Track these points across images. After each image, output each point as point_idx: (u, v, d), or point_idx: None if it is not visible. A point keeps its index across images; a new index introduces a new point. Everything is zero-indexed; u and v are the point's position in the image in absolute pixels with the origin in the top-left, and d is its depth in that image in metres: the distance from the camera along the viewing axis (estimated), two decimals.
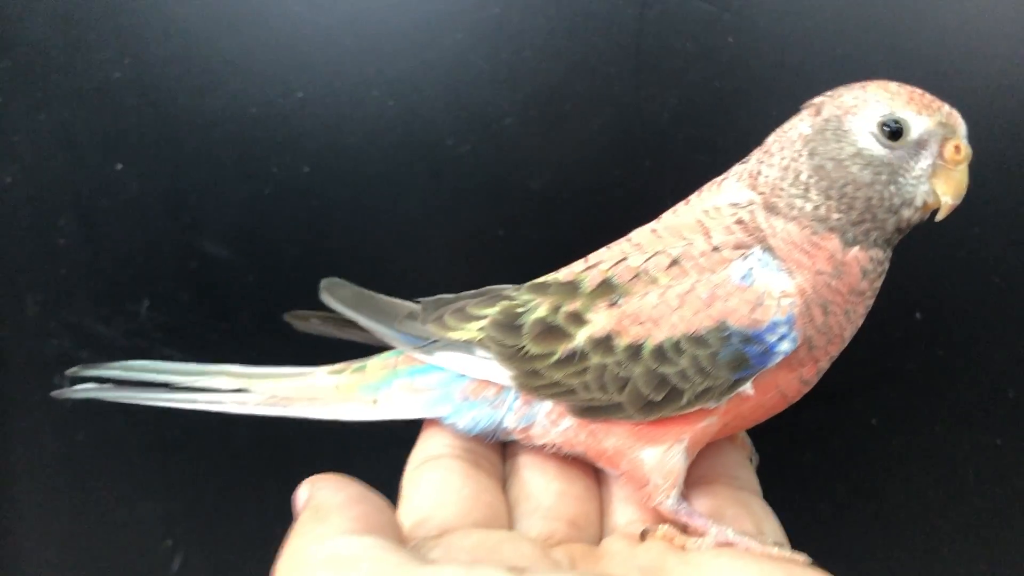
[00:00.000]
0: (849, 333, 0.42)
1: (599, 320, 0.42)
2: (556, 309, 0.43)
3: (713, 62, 0.60)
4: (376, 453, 0.51)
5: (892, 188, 0.40)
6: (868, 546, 0.65)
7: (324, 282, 0.48)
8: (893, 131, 0.40)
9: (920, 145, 0.40)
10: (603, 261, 0.44)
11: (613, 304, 0.42)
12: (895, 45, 0.60)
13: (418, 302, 0.48)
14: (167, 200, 0.62)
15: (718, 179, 0.45)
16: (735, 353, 0.39)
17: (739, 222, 0.42)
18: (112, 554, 0.66)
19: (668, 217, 0.45)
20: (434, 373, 0.46)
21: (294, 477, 0.65)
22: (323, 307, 0.48)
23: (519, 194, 0.61)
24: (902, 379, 0.63)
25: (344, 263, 0.62)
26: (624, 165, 0.61)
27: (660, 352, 0.40)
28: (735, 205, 0.43)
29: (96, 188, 0.61)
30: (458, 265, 0.63)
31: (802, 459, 0.64)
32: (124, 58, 0.60)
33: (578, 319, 0.43)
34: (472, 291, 0.48)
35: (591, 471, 0.46)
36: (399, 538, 0.33)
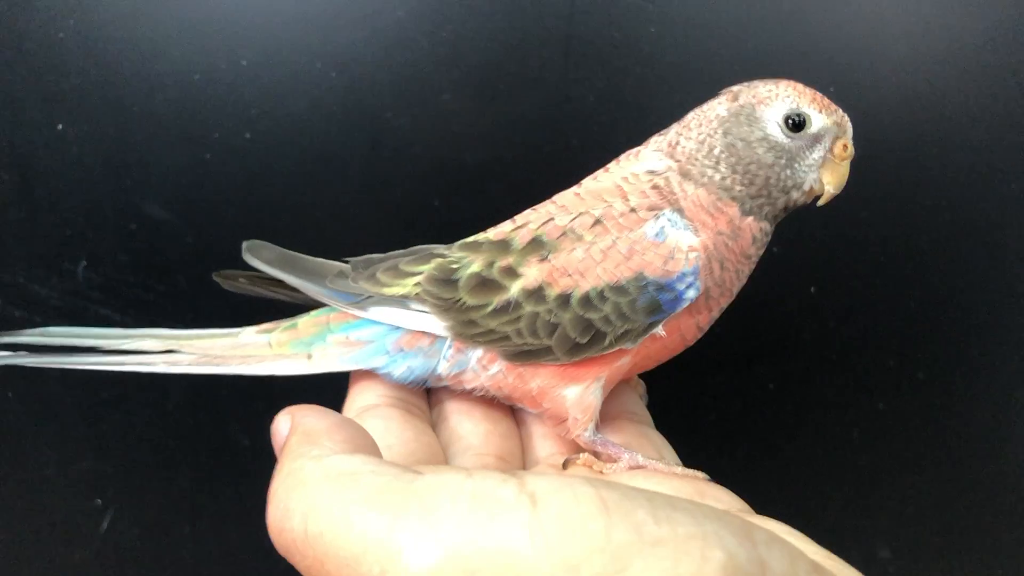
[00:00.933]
0: (736, 288, 0.48)
1: (531, 273, 0.46)
2: (490, 264, 0.47)
3: (637, 50, 0.64)
4: None
5: (788, 171, 0.46)
6: (766, 499, 0.69)
7: (246, 244, 0.48)
8: (796, 123, 0.46)
9: (816, 139, 0.46)
10: (531, 221, 0.48)
11: (543, 259, 0.46)
12: (798, 41, 0.65)
13: (346, 261, 0.49)
14: (108, 162, 0.62)
15: (635, 149, 0.50)
16: (650, 300, 0.44)
17: (655, 187, 0.46)
18: (41, 513, 0.66)
19: (588, 182, 0.49)
20: (368, 327, 0.47)
21: (226, 438, 0.67)
22: (253, 268, 0.48)
23: (454, 167, 0.63)
24: (797, 348, 0.68)
25: (282, 228, 0.64)
26: (553, 142, 0.65)
27: (587, 300, 0.44)
28: (652, 172, 0.47)
29: (37, 148, 0.61)
30: (394, 232, 0.64)
31: (708, 419, 0.69)
32: (69, 18, 0.60)
33: (512, 273, 0.46)
34: (401, 251, 0.50)
35: (510, 412, 0.50)
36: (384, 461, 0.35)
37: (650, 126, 0.62)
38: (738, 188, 0.46)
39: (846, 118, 0.47)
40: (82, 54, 0.60)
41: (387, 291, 0.48)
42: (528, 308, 0.45)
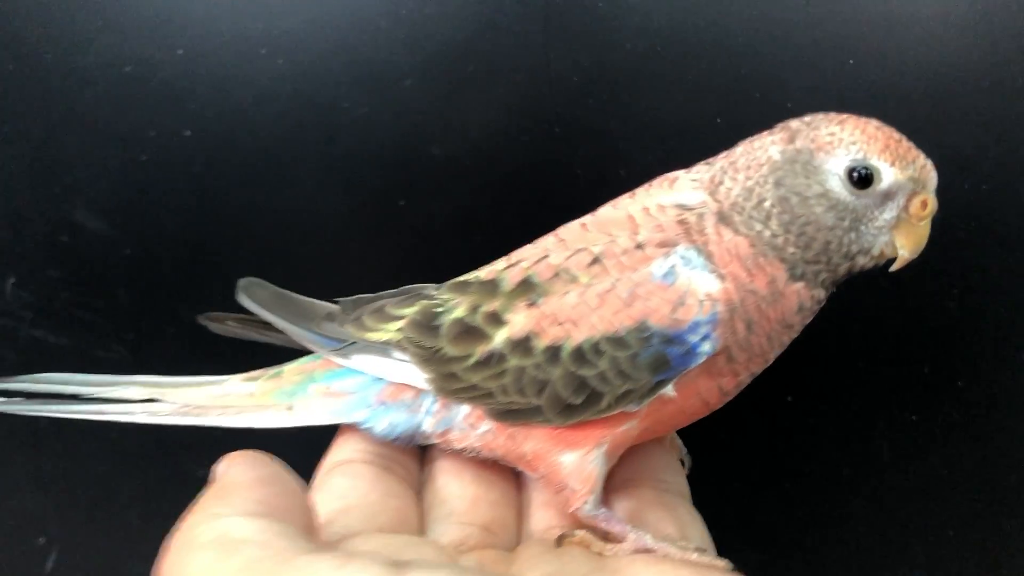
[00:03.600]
0: (771, 356, 0.42)
1: (518, 321, 0.41)
2: (475, 309, 0.42)
3: (626, 21, 0.57)
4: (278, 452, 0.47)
5: (852, 235, 0.39)
6: (784, 524, 0.64)
7: (242, 282, 0.46)
8: (863, 178, 0.39)
9: (887, 196, 0.39)
10: (525, 258, 0.43)
11: (532, 304, 0.41)
12: (809, 11, 0.57)
13: (336, 302, 0.47)
14: (34, 167, 0.57)
15: (672, 175, 0.43)
16: (656, 354, 0.38)
17: (681, 222, 0.40)
18: None
19: (604, 210, 0.43)
20: (351, 377, 0.44)
21: (178, 469, 0.61)
22: (238, 306, 0.46)
23: (420, 161, 0.58)
24: (818, 355, 0.60)
25: (230, 236, 0.59)
26: (532, 131, 0.59)
27: (579, 354, 0.39)
28: (682, 207, 0.41)
29: None
30: (354, 237, 0.59)
31: (717, 437, 0.61)
32: None
33: (496, 320, 0.41)
34: (392, 290, 0.47)
35: (511, 474, 0.45)
36: (308, 525, 0.33)
37: (645, 110, 0.55)
38: (791, 250, 0.39)
39: (927, 169, 0.40)
40: None
41: (371, 336, 0.44)
42: (513, 362, 0.40)
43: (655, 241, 0.40)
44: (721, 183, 0.41)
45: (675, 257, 0.39)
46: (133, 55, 0.56)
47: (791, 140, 0.40)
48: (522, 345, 0.40)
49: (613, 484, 0.42)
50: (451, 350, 0.41)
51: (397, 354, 0.43)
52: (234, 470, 0.33)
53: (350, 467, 0.42)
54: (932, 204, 0.40)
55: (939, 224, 0.59)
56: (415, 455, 0.45)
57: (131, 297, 0.59)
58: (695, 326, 0.38)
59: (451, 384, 0.41)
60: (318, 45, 0.57)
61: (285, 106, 0.57)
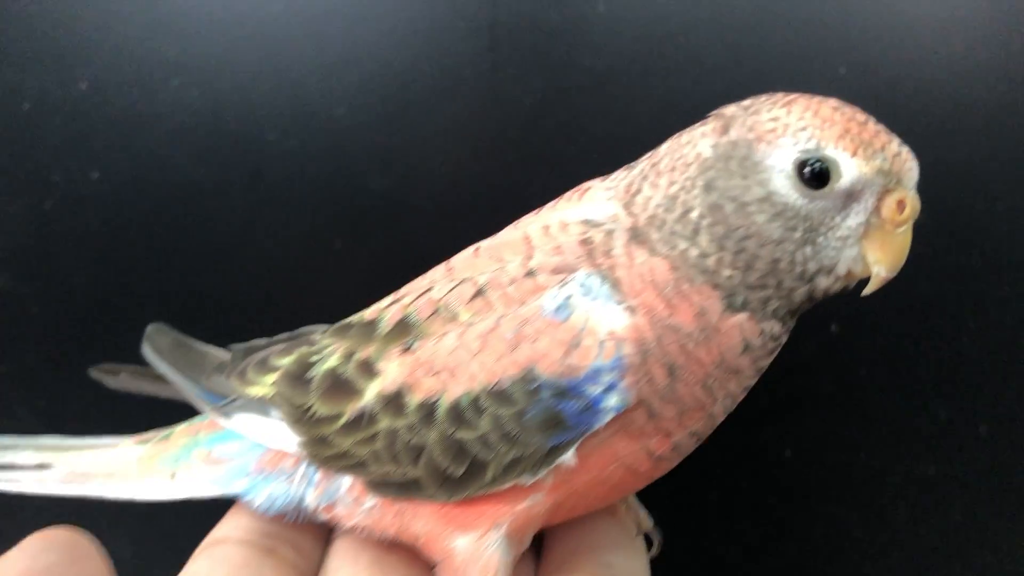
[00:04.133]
0: (718, 409, 0.34)
1: (390, 371, 0.34)
2: (348, 357, 0.36)
3: (582, 36, 0.52)
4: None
5: (808, 250, 0.32)
6: None
7: (149, 328, 0.43)
8: (817, 174, 0.31)
9: (851, 196, 0.31)
10: (409, 292, 0.37)
11: (406, 350, 0.34)
12: (796, 13, 0.52)
13: (230, 349, 0.42)
14: None
15: (586, 184, 0.37)
16: (547, 411, 0.31)
17: (584, 243, 0.33)
18: None
19: (506, 232, 0.37)
20: (233, 441, 0.39)
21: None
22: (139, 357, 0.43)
23: (358, 197, 0.53)
24: (818, 403, 0.57)
25: (147, 287, 0.54)
26: (483, 160, 0.53)
27: (456, 412, 0.32)
28: (589, 223, 0.34)
29: None
30: (285, 283, 0.54)
31: (705, 499, 0.58)
32: None
33: (369, 370, 0.35)
34: (287, 333, 0.42)
35: (420, 560, 0.37)
36: None
37: (607, 133, 0.50)
38: (727, 273, 0.32)
39: (902, 158, 0.31)
40: None
41: (250, 392, 0.39)
42: (384, 422, 0.34)
43: (549, 267, 0.33)
44: (639, 191, 0.34)
45: (572, 286, 0.32)
46: (31, 90, 0.51)
47: (725, 130, 0.33)
48: (394, 402, 0.34)
49: (548, 566, 0.36)
50: (321, 408, 0.36)
51: (274, 412, 0.37)
52: (12, 558, 0.30)
53: (219, 549, 0.36)
54: (912, 204, 0.31)
55: (949, 250, 0.53)
56: (315, 534, 0.39)
57: (39, 358, 0.54)
58: (594, 374, 0.31)
59: (323, 450, 0.35)
60: (238, 73, 0.51)
61: (203, 141, 0.52)
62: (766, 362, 0.34)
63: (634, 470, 0.33)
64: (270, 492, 0.37)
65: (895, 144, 0.31)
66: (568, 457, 0.31)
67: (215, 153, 0.52)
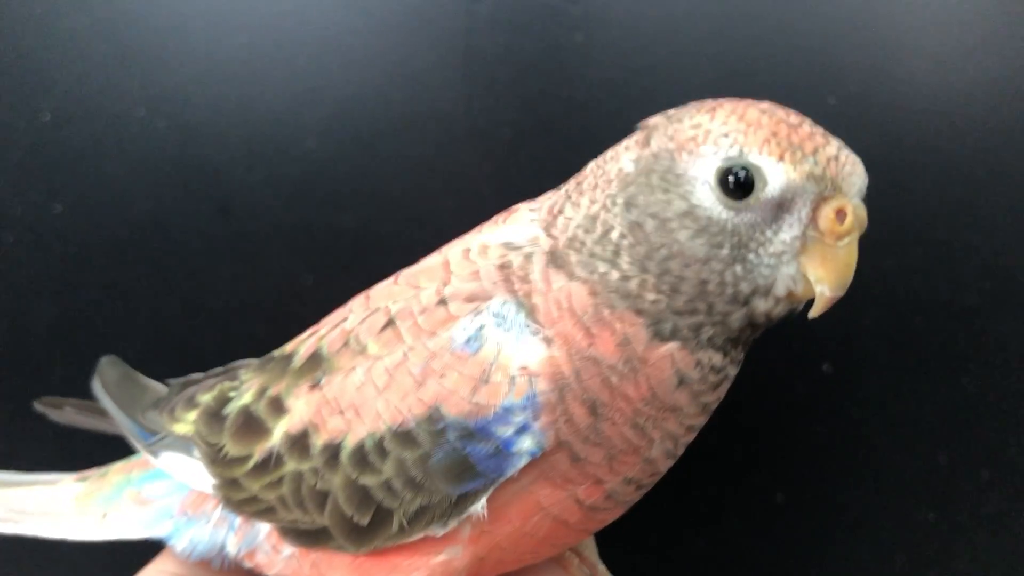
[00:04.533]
0: (657, 453, 0.31)
1: (297, 408, 0.33)
2: (262, 393, 0.35)
3: (560, 66, 0.51)
4: None
5: (738, 269, 0.29)
6: None
7: (102, 360, 0.42)
8: (740, 183, 0.28)
9: (781, 207, 0.29)
10: (327, 323, 0.35)
11: (315, 386, 0.33)
12: (781, 41, 0.51)
13: (167, 384, 0.41)
14: None
15: (513, 207, 0.35)
16: (454, 454, 0.29)
17: (502, 267, 0.31)
18: None
19: (429, 258, 0.35)
20: (161, 480, 0.38)
21: None
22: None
23: (329, 233, 0.52)
24: (810, 445, 0.55)
25: (110, 325, 0.52)
26: (458, 193, 0.52)
27: (361, 454, 0.31)
28: (509, 246, 0.32)
29: None
30: (253, 321, 0.52)
31: (693, 546, 0.55)
32: None
33: (279, 407, 0.33)
34: (221, 368, 0.41)
35: None
36: None
37: (582, 166, 0.48)
38: (651, 298, 0.29)
39: (840, 162, 0.29)
40: None
41: (177, 428, 0.38)
42: (290, 465, 0.32)
43: (463, 294, 0.31)
44: (561, 212, 0.32)
45: (485, 316, 0.30)
46: None
47: (647, 142, 0.31)
48: (299, 443, 0.32)
49: None
50: (232, 448, 0.34)
51: (195, 451, 0.36)
52: None
53: None
54: (855, 214, 0.28)
55: (947, 287, 0.51)
56: None
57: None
58: (504, 414, 0.29)
59: (235, 493, 0.34)
60: (204, 103, 0.50)
61: (169, 174, 0.51)
62: (711, 398, 0.31)
63: (563, 521, 0.31)
64: (192, 536, 0.36)
65: (831, 147, 0.29)
66: (478, 508, 0.29)
67: (181, 186, 0.51)
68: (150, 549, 0.39)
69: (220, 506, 0.35)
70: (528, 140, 0.51)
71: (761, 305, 0.29)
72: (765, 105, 0.29)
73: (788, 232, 0.29)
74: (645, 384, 0.29)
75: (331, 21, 0.50)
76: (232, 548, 0.35)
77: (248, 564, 0.36)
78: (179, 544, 0.36)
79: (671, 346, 0.29)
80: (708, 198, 0.29)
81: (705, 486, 0.55)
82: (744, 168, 0.28)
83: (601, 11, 0.50)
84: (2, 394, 0.52)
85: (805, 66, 0.50)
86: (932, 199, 0.52)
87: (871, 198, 0.47)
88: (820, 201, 0.28)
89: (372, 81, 0.50)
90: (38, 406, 0.43)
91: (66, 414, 0.44)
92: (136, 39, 0.49)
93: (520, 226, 0.33)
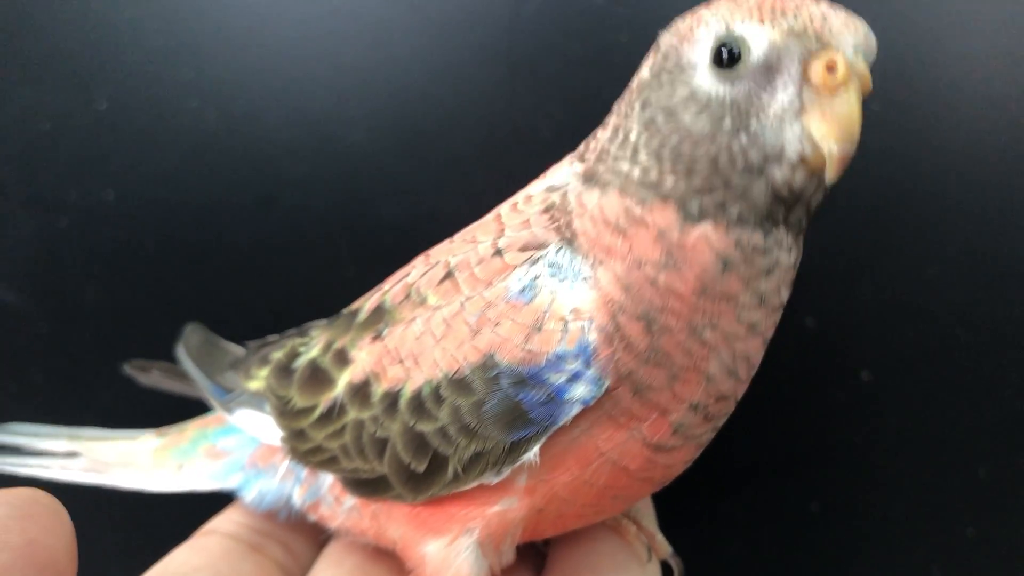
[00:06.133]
0: (717, 368, 0.30)
1: (360, 359, 0.33)
2: (328, 347, 0.35)
3: (603, 66, 0.50)
4: None
5: (743, 138, 0.29)
6: None
7: (187, 327, 0.44)
8: (731, 55, 0.29)
9: (770, 69, 0.28)
10: (392, 279, 0.36)
11: (377, 337, 0.33)
12: None
13: (246, 346, 0.43)
14: None
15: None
16: (506, 401, 0.29)
17: (546, 210, 0.32)
18: None
19: (486, 216, 0.36)
20: (233, 435, 0.40)
21: None
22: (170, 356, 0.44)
23: (371, 225, 0.52)
24: (847, 454, 0.54)
25: (157, 309, 0.53)
26: (498, 189, 0.50)
27: (418, 402, 0.31)
28: (551, 189, 0.33)
29: None
30: (297, 310, 0.52)
31: (725, 553, 0.55)
32: None
33: (343, 359, 0.34)
34: (296, 328, 0.42)
35: (406, 570, 0.36)
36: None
37: None
38: (669, 182, 0.29)
39: (821, 17, 0.28)
40: None
41: (250, 385, 0.39)
42: (352, 414, 0.33)
43: (518, 243, 0.31)
44: (593, 138, 0.33)
45: (541, 265, 0.30)
46: (50, 109, 0.51)
47: (659, 47, 0.31)
48: (361, 391, 0.33)
49: None
50: (299, 400, 0.35)
51: (266, 406, 0.38)
52: None
53: (204, 539, 0.37)
54: (844, 64, 0.27)
55: (990, 294, 0.50)
56: (312, 538, 0.39)
57: (46, 377, 0.54)
58: (556, 361, 0.28)
59: (301, 444, 0.35)
60: (254, 95, 0.51)
61: (218, 164, 0.52)
62: (766, 286, 0.30)
63: (623, 467, 0.31)
64: (260, 488, 0.38)
65: (817, 7, 0.28)
66: (531, 455, 0.29)
67: (229, 176, 0.52)
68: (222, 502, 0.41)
69: (288, 459, 0.37)
70: (570, 139, 0.51)
71: (778, 173, 0.29)
72: None
73: (784, 93, 0.28)
74: (691, 274, 0.29)
75: (379, 18, 0.50)
76: (297, 500, 0.37)
77: (312, 516, 0.37)
78: (248, 496, 0.38)
79: (704, 227, 0.29)
80: (706, 78, 0.29)
81: (739, 492, 0.54)
82: (731, 39, 0.29)
83: (646, 12, 0.50)
84: (51, 376, 0.53)
85: None
86: (976, 208, 0.50)
87: (914, 202, 0.47)
88: (810, 57, 0.28)
89: (418, 77, 0.51)
90: (128, 369, 0.45)
91: (153, 377, 0.45)
92: (190, 31, 0.50)
93: (560, 170, 0.34)
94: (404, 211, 0.52)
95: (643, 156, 0.30)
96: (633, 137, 0.30)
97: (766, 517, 0.54)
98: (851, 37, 0.28)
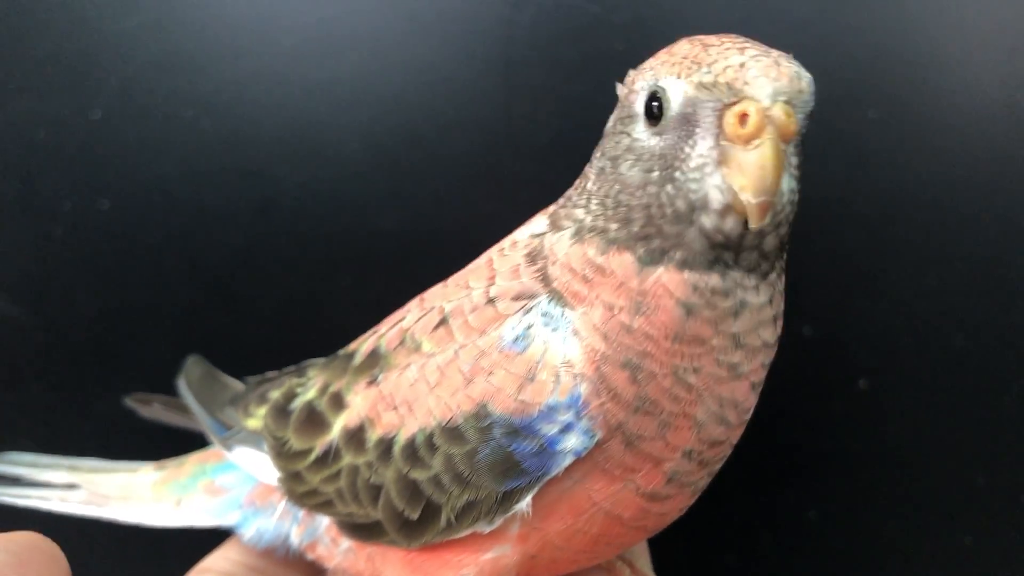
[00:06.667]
0: (704, 413, 0.30)
1: (356, 404, 0.34)
2: (324, 390, 0.36)
3: (599, 74, 0.49)
4: None
5: (669, 188, 0.29)
6: None
7: (188, 360, 0.44)
8: (658, 108, 0.29)
9: (687, 121, 0.28)
10: (387, 322, 0.36)
11: (372, 382, 0.33)
12: (822, 54, 0.49)
13: (245, 381, 0.43)
14: None
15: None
16: (499, 451, 0.29)
17: (529, 255, 0.32)
18: None
19: (477, 260, 0.36)
20: (232, 472, 0.40)
21: None
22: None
23: (367, 235, 0.52)
24: (845, 463, 0.54)
25: (152, 320, 0.53)
26: (495, 198, 0.51)
27: (411, 449, 0.31)
28: (533, 235, 0.33)
29: None
30: (292, 319, 0.53)
31: (724, 562, 0.55)
32: None
33: (339, 402, 0.34)
34: (294, 366, 0.42)
35: None
36: None
37: None
38: (613, 228, 0.30)
39: (737, 68, 0.27)
40: None
41: (249, 423, 0.40)
42: (347, 459, 0.33)
43: (510, 292, 0.31)
44: (570, 185, 0.34)
45: (534, 314, 0.30)
46: (45, 117, 0.51)
47: (619, 98, 0.32)
48: (355, 437, 0.33)
49: None
50: (295, 442, 0.36)
51: (264, 445, 0.38)
52: None
53: None
54: (756, 114, 0.27)
55: (989, 303, 0.50)
56: (309, 574, 0.39)
57: (42, 388, 0.53)
58: (548, 412, 0.29)
59: (297, 486, 0.35)
60: (249, 105, 0.51)
61: (212, 173, 0.52)
62: (740, 326, 0.29)
63: (616, 516, 0.30)
64: (259, 526, 0.38)
65: (736, 57, 0.28)
66: (523, 505, 0.29)
67: (223, 185, 0.52)
68: (219, 538, 0.41)
69: (285, 499, 0.37)
70: (566, 147, 0.51)
71: (707, 221, 0.28)
72: (703, 37, 0.29)
73: (702, 144, 0.28)
74: (658, 319, 0.29)
75: (375, 27, 0.50)
76: (295, 539, 0.37)
77: (310, 556, 0.37)
78: (247, 533, 0.38)
79: (659, 271, 0.29)
80: (641, 130, 0.30)
81: (737, 501, 0.54)
82: (657, 93, 0.29)
83: (641, 20, 0.50)
84: (46, 386, 0.53)
85: (846, 80, 0.49)
86: (975, 216, 0.50)
87: (912, 211, 0.46)
88: (724, 109, 0.28)
89: (414, 87, 0.51)
90: (128, 402, 0.45)
91: (154, 410, 0.45)
92: (185, 41, 0.50)
93: (544, 215, 0.34)
94: (400, 220, 0.52)
95: (594, 204, 0.31)
96: (589, 185, 0.31)
97: (764, 525, 0.54)
98: (769, 85, 0.27)
